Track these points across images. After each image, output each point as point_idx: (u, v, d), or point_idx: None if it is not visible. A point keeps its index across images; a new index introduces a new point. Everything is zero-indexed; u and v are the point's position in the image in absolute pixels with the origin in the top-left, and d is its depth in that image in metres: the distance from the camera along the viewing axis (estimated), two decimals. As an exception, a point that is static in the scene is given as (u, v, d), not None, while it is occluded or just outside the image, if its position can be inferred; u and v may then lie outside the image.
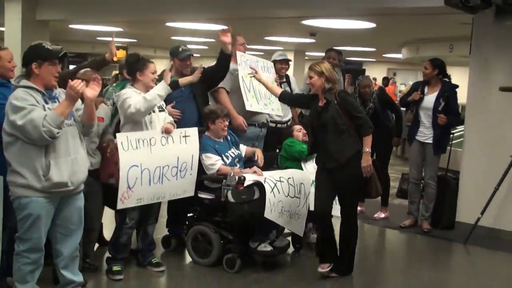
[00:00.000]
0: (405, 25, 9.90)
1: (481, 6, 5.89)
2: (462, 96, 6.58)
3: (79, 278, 4.06)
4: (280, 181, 4.85)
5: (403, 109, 7.13)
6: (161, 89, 4.56)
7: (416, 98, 6.35)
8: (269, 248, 4.89)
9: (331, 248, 4.85)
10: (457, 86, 6.50)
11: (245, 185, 4.76)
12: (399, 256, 6.06)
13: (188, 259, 5.11)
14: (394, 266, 5.57)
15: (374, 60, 23.93)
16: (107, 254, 4.83)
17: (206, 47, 19.83)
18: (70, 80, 3.68)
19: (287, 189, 4.87)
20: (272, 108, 5.83)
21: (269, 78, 5.71)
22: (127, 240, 4.71)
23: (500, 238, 6.25)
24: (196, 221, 5.09)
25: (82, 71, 4.58)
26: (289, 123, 6.32)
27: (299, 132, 5.63)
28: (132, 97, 4.47)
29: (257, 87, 5.57)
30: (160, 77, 4.76)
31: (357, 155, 4.60)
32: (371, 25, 9.80)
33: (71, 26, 13.74)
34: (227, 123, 5.08)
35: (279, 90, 5.22)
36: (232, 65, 5.48)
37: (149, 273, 4.82)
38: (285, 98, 5.25)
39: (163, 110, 4.78)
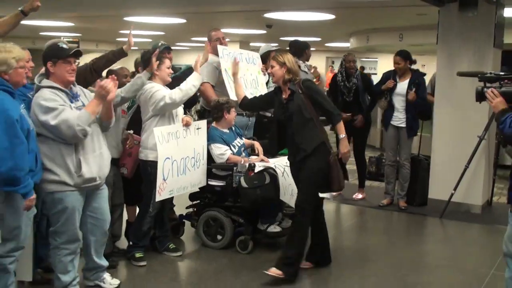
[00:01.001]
0: (362, 16, 10.40)
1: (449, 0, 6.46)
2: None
3: (105, 262, 4.35)
4: (287, 166, 5.21)
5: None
6: (195, 79, 4.82)
7: (390, 86, 6.87)
8: (278, 229, 5.27)
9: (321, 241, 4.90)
10: (424, 74, 7.11)
11: (255, 171, 5.10)
12: (382, 231, 6.55)
13: (199, 243, 5.39)
14: (380, 241, 6.05)
15: (314, 49, 24.56)
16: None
17: (150, 40, 19.83)
18: (99, 80, 3.90)
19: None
20: None
21: (254, 69, 6.00)
22: (149, 229, 4.96)
23: (469, 212, 6.88)
24: (207, 207, 5.37)
25: (117, 67, 4.77)
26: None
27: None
28: (162, 90, 4.71)
29: (243, 77, 5.64)
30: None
31: (322, 146, 4.54)
32: (330, 16, 10.23)
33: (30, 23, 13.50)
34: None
35: (241, 96, 5.06)
36: (214, 58, 5.63)
37: (167, 258, 5.09)
38: (245, 104, 5.07)
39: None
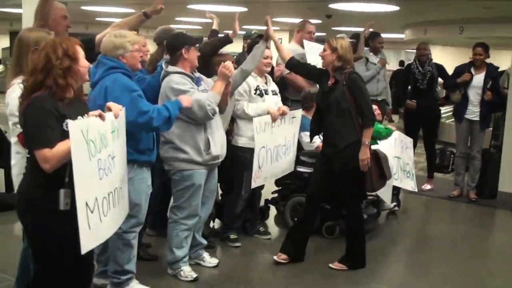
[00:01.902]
0: (426, 8, 10.45)
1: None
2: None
3: (204, 241, 4.63)
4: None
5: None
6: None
7: (467, 79, 6.96)
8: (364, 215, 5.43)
9: (299, 238, 4.76)
10: (498, 68, 7.19)
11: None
12: (455, 222, 6.69)
13: (284, 227, 5.59)
14: (453, 230, 6.20)
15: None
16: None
17: (200, 27, 20.06)
18: (223, 62, 4.13)
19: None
20: None
21: (319, 61, 6.14)
22: (241, 211, 5.19)
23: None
24: (294, 193, 5.57)
25: (224, 53, 4.99)
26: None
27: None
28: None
29: None
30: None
31: (356, 144, 4.41)
32: (394, 8, 10.29)
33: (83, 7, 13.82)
34: None
35: (288, 56, 4.86)
36: (299, 50, 5.82)
37: (258, 240, 5.32)
38: (292, 64, 4.86)
39: (276, 94, 5.20)
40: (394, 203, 6.20)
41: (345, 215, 4.81)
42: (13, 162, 3.37)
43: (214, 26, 5.75)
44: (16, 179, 3.30)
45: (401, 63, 19.82)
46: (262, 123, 4.88)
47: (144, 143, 3.75)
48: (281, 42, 5.65)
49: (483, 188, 7.28)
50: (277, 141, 5.07)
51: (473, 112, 6.99)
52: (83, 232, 2.64)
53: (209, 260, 4.61)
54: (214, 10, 12.43)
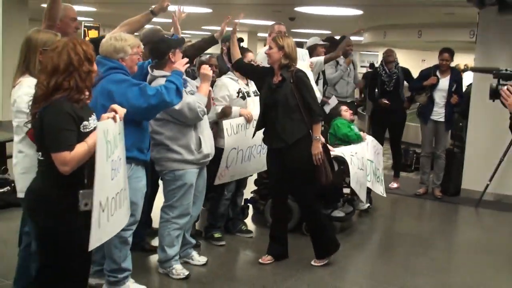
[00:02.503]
0: (390, 13, 10.79)
1: (491, 3, 6.86)
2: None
3: (193, 240, 4.75)
4: (351, 155, 5.59)
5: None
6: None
7: (434, 82, 7.27)
8: (342, 214, 5.66)
9: (279, 235, 4.87)
10: (459, 72, 7.58)
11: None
12: (423, 218, 7.01)
13: (263, 225, 5.72)
14: (423, 227, 6.51)
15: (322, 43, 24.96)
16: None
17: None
18: (203, 66, 4.27)
19: (356, 162, 5.62)
20: None
21: (304, 65, 6.33)
22: (225, 210, 5.31)
23: (502, 202, 7.32)
24: (274, 192, 5.71)
25: (207, 57, 5.08)
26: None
27: (346, 112, 6.35)
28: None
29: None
30: None
31: (306, 138, 4.54)
32: (358, 12, 10.58)
33: (43, 5, 13.62)
34: None
35: (238, 56, 4.95)
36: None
37: (241, 239, 5.45)
38: (239, 65, 4.95)
39: (258, 95, 5.34)
40: (368, 204, 6.43)
41: (301, 211, 4.92)
42: (14, 161, 3.39)
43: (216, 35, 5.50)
44: (19, 178, 3.35)
45: (371, 65, 20.23)
46: (234, 125, 4.99)
47: (146, 142, 3.84)
48: (242, 41, 5.81)
49: (448, 185, 7.61)
50: (251, 142, 5.12)
51: (438, 114, 7.30)
52: (93, 231, 2.72)
53: (198, 258, 4.72)
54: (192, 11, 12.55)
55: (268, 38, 6.28)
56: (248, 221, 5.99)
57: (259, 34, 20.08)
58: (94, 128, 2.88)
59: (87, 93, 2.90)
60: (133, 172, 3.78)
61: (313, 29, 16.43)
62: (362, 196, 5.78)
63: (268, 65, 4.83)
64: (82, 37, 14.21)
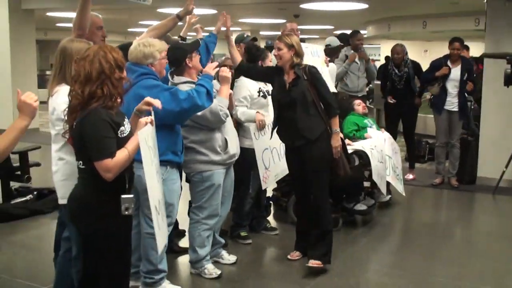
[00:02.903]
0: (395, 5, 10.84)
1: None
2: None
3: (222, 239, 4.83)
4: (371, 149, 5.66)
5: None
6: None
7: (446, 72, 7.32)
8: (364, 207, 5.72)
9: (305, 232, 4.78)
10: (470, 60, 7.63)
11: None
12: (443, 208, 7.07)
13: (287, 222, 5.79)
14: (444, 216, 6.58)
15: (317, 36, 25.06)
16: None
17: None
18: (222, 68, 4.32)
19: (376, 155, 5.69)
20: None
21: (318, 61, 6.39)
22: (250, 209, 5.37)
23: (518, 188, 7.39)
24: (296, 189, 5.78)
25: (223, 58, 5.13)
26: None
27: (358, 106, 6.41)
28: None
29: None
30: None
31: (325, 132, 4.53)
32: (363, 6, 10.63)
33: (49, 14, 13.75)
34: None
35: (239, 59, 4.80)
36: None
37: (267, 236, 5.51)
38: (243, 68, 4.84)
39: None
40: (389, 195, 6.49)
41: (315, 212, 4.62)
42: (55, 168, 3.46)
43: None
44: (60, 184, 3.42)
45: (387, 58, 20.25)
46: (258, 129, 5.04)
47: (179, 145, 3.91)
48: (256, 40, 5.84)
49: (463, 174, 7.67)
50: (274, 143, 5.18)
51: (452, 103, 7.36)
52: (157, 234, 2.80)
53: (228, 257, 4.79)
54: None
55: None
56: (270, 218, 6.05)
57: (261, 33, 20.10)
58: (130, 132, 2.95)
59: (119, 99, 2.96)
60: (168, 174, 3.86)
61: (316, 25, 16.46)
62: (383, 188, 5.85)
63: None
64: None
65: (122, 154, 2.82)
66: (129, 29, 19.55)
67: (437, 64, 7.54)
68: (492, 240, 5.64)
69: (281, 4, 10.65)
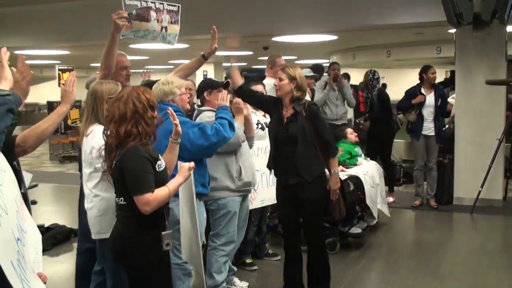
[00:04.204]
0: (365, 36, 11.31)
1: (468, 22, 7.40)
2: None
3: (234, 267, 5.03)
4: (364, 174, 5.96)
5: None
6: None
7: (422, 100, 7.76)
8: (359, 230, 6.00)
9: (299, 278, 4.65)
10: (442, 87, 8.13)
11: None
12: (423, 228, 7.42)
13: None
14: (428, 235, 6.90)
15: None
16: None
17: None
18: (236, 100, 4.56)
19: (369, 181, 6.00)
20: None
21: None
22: (253, 236, 5.58)
23: (493, 206, 7.81)
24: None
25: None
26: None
27: (351, 135, 6.73)
28: None
29: None
30: None
31: (323, 174, 4.43)
32: (333, 37, 11.06)
33: (16, 52, 13.69)
34: None
35: (240, 82, 4.59)
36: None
37: (269, 262, 5.73)
38: (242, 91, 4.57)
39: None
40: (376, 219, 6.79)
41: (309, 245, 4.55)
42: (89, 205, 3.61)
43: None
44: (96, 220, 3.58)
45: (384, 85, 20.92)
46: (255, 149, 5.19)
47: (207, 177, 4.12)
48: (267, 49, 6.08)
49: (441, 195, 8.08)
50: (266, 170, 5.16)
51: (428, 128, 7.79)
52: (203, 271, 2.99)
53: (240, 284, 4.98)
54: (158, 48, 12.80)
55: (270, 70, 6.64)
56: (268, 244, 6.26)
57: (224, 64, 20.45)
58: (165, 167, 3.15)
59: (152, 137, 3.17)
60: (198, 206, 4.03)
61: (283, 56, 16.87)
62: (375, 212, 6.15)
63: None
64: (57, 80, 14.31)
65: (163, 192, 3.01)
66: (91, 64, 19.57)
67: (412, 92, 7.98)
68: (473, 255, 6.01)
69: (254, 37, 10.98)
